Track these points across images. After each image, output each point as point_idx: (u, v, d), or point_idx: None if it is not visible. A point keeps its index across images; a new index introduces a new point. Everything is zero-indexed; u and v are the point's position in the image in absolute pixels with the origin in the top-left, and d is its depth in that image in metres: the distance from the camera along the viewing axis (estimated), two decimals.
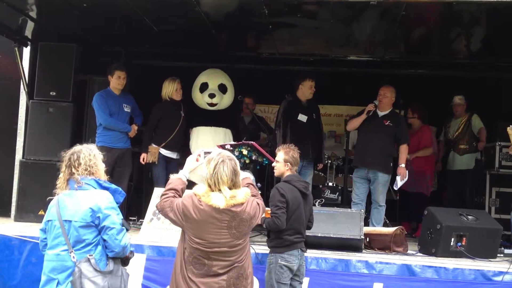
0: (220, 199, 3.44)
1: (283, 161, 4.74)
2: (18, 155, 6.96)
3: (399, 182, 6.42)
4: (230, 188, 3.48)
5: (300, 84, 6.70)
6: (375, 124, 6.51)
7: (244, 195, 3.51)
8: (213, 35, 6.56)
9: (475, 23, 5.80)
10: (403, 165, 6.39)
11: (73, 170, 3.62)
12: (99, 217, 3.53)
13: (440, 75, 8.15)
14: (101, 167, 3.75)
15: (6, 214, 6.93)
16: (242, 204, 3.48)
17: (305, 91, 6.71)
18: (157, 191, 5.88)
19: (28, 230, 5.79)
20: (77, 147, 3.75)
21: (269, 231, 4.62)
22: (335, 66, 7.95)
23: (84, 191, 3.60)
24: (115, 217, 3.59)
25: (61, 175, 3.68)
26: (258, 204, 3.57)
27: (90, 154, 3.70)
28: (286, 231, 4.52)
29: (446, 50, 7.09)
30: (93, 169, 3.68)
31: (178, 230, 5.41)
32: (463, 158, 7.47)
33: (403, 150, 6.49)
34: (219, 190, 3.48)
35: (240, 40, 7.13)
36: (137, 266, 5.04)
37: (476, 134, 7.40)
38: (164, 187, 6.32)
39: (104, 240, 3.58)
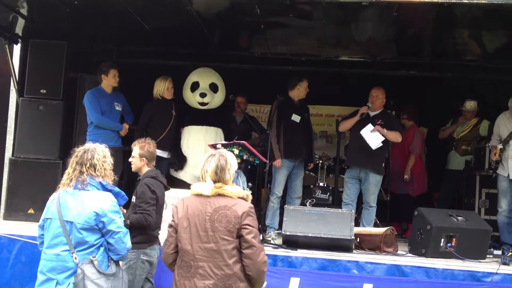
0: (205, 187, 3.44)
1: (139, 156, 4.76)
2: (8, 153, 6.92)
3: (365, 131, 6.32)
4: (215, 181, 3.46)
5: (298, 84, 6.69)
6: (367, 124, 6.52)
7: (235, 191, 3.45)
8: (205, 34, 6.55)
9: (467, 25, 5.82)
10: (385, 130, 6.35)
11: (84, 168, 3.58)
12: (103, 221, 3.50)
13: (432, 76, 8.18)
14: (110, 169, 3.72)
15: None
16: (230, 198, 3.42)
17: (302, 91, 6.73)
18: None
19: (18, 228, 5.76)
20: (91, 145, 3.70)
21: (130, 227, 4.56)
22: (326, 66, 7.96)
23: (87, 191, 3.56)
24: (119, 221, 3.58)
25: (69, 170, 3.63)
26: (250, 213, 3.42)
27: (104, 156, 3.68)
28: (151, 227, 4.58)
29: (438, 52, 7.11)
30: (105, 171, 3.65)
31: None
32: (462, 158, 7.50)
33: (394, 132, 6.45)
34: (205, 181, 3.49)
35: (232, 39, 7.12)
36: None
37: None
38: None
39: (109, 244, 3.55)
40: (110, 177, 3.70)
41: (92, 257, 3.50)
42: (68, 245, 3.49)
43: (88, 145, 3.72)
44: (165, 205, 5.58)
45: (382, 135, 6.36)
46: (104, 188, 3.63)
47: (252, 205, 3.49)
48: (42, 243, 3.65)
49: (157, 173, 4.82)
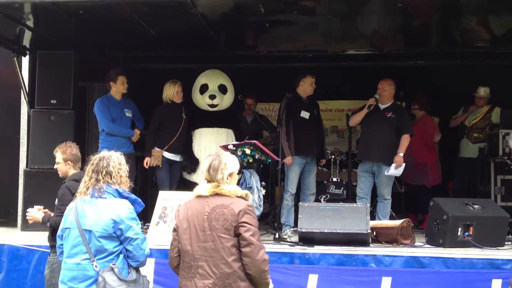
0: (202, 187, 3.50)
1: (63, 161, 4.74)
2: (22, 165, 6.98)
3: (392, 170, 6.32)
4: (208, 181, 3.50)
5: (300, 80, 6.69)
6: (377, 117, 6.50)
7: (233, 190, 3.45)
8: (210, 35, 6.56)
9: (473, 11, 5.78)
10: (401, 154, 6.33)
11: (100, 176, 3.60)
12: (121, 228, 3.52)
13: (440, 65, 8.13)
14: (126, 176, 3.74)
15: (13, 224, 6.94)
16: (228, 197, 3.43)
17: (306, 87, 6.71)
18: (162, 195, 5.90)
19: (35, 239, 5.80)
20: (106, 153, 3.72)
21: (53, 230, 4.59)
22: (334, 61, 7.93)
23: (104, 199, 3.58)
24: (137, 228, 3.59)
25: (86, 179, 3.66)
26: (248, 211, 3.39)
27: (120, 163, 3.70)
28: None
29: (445, 40, 7.07)
30: (121, 178, 3.67)
31: None
32: (474, 146, 7.46)
33: (405, 139, 6.43)
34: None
35: (238, 39, 7.13)
36: (146, 271, 5.03)
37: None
38: (169, 190, 6.40)
39: (128, 251, 3.57)
40: (126, 184, 3.72)
41: (112, 264, 3.51)
42: (88, 253, 3.51)
43: (104, 152, 3.75)
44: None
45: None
46: (121, 195, 3.64)
47: (250, 203, 3.47)
48: (61, 253, 3.68)
49: (81, 175, 4.80)
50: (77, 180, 4.66)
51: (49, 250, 4.82)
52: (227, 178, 3.50)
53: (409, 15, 5.97)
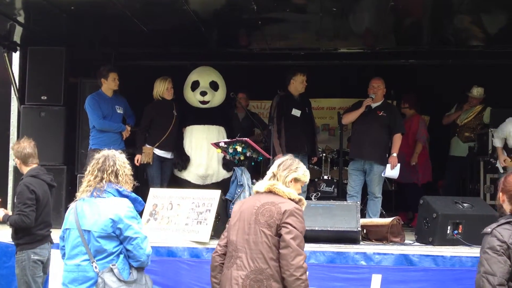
0: (260, 184, 3.55)
1: (15, 159, 4.83)
2: (12, 161, 6.93)
3: (388, 171, 6.37)
4: (270, 177, 3.55)
5: (291, 78, 6.70)
6: (369, 116, 6.52)
7: (287, 192, 3.45)
8: (202, 32, 6.55)
9: (465, 10, 5.80)
10: (395, 154, 6.39)
11: (105, 175, 3.53)
12: (120, 227, 3.44)
13: (432, 64, 8.16)
14: (130, 175, 3.68)
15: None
16: (280, 197, 3.43)
17: (297, 85, 6.71)
18: (153, 192, 5.87)
19: None
20: (110, 152, 3.64)
21: (15, 228, 4.63)
22: (326, 59, 7.95)
23: (103, 199, 3.50)
24: (137, 226, 3.51)
25: (90, 177, 3.55)
26: (295, 214, 3.34)
27: (124, 162, 3.64)
28: (37, 227, 4.59)
29: (437, 39, 7.09)
30: (126, 177, 3.61)
31: (176, 230, 5.44)
32: (465, 145, 7.50)
33: (397, 139, 6.49)
34: None
35: (230, 36, 7.13)
36: None
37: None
38: (160, 187, 6.39)
39: (128, 250, 3.49)
40: (130, 184, 3.66)
41: (112, 265, 3.43)
42: (88, 254, 3.43)
43: (107, 151, 3.65)
44: (170, 205, 5.60)
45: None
46: (121, 194, 3.56)
47: (299, 207, 3.42)
48: (64, 254, 3.60)
49: (39, 171, 4.79)
50: (34, 175, 4.66)
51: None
52: (291, 181, 3.51)
53: (401, 14, 5.99)
